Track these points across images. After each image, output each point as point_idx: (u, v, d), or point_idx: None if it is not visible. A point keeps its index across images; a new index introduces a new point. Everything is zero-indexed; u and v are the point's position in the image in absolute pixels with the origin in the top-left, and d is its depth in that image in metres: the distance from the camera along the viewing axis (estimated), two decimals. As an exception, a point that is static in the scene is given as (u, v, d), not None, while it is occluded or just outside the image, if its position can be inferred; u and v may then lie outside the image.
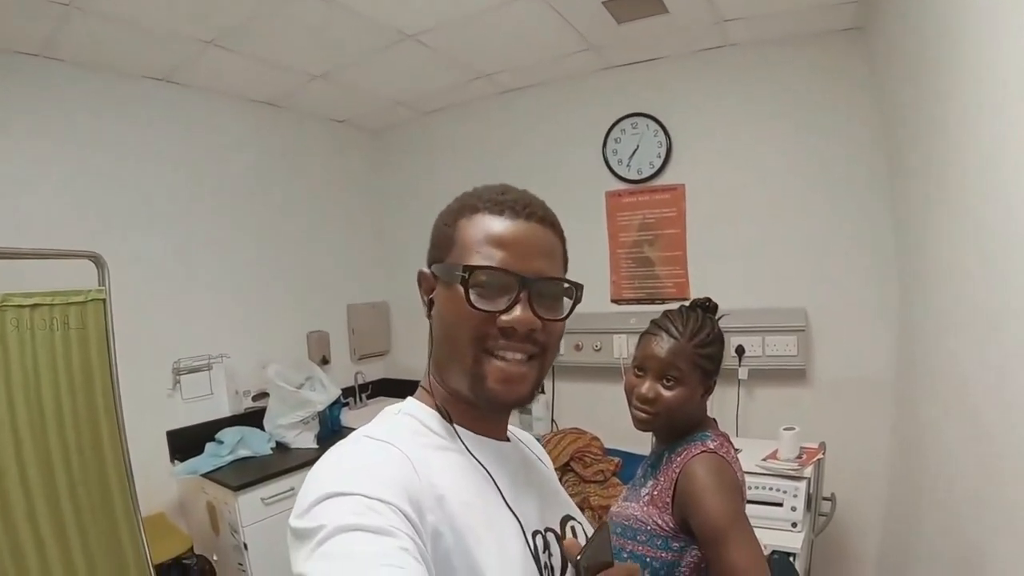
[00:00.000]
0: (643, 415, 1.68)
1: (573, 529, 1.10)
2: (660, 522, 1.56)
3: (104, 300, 2.81)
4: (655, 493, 1.61)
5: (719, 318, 1.78)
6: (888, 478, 3.47)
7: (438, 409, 1.01)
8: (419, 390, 1.07)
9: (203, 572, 3.43)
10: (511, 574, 0.90)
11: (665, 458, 1.66)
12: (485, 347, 0.94)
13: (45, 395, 2.59)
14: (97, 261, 2.83)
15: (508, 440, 1.11)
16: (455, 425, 1.00)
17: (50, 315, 2.62)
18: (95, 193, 3.50)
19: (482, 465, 0.97)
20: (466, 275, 0.92)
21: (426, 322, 1.05)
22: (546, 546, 0.99)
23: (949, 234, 2.14)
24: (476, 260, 0.94)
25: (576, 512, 1.17)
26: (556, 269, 1.01)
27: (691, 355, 1.65)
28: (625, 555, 1.55)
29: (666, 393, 1.64)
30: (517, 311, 0.93)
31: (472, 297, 0.92)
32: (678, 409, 1.64)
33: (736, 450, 1.70)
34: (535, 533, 0.98)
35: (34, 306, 2.57)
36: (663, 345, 1.67)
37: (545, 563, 0.96)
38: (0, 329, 2.44)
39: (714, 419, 1.79)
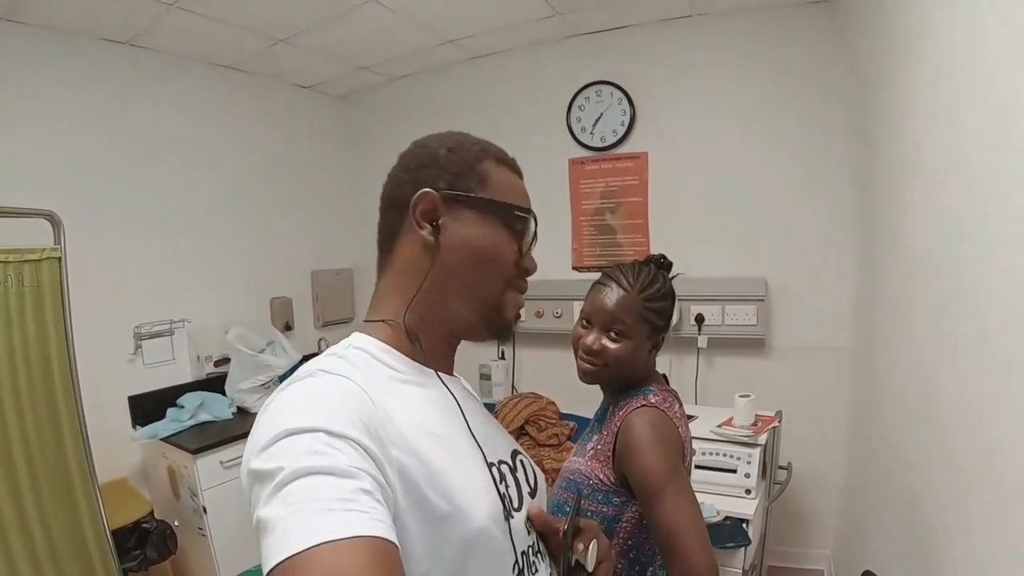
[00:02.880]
0: (588, 366, 1.66)
1: (522, 464, 1.12)
2: (601, 476, 1.56)
3: (59, 259, 2.80)
4: (599, 447, 1.60)
5: (673, 277, 1.76)
6: (846, 447, 3.53)
7: (409, 335, 1.00)
8: (370, 325, 1.04)
9: (163, 536, 3.42)
10: (479, 501, 0.90)
11: (609, 412, 1.65)
12: (509, 288, 1.06)
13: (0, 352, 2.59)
14: (52, 219, 2.83)
15: (454, 376, 1.13)
16: (413, 360, 1.00)
17: (4, 272, 2.63)
18: (56, 155, 3.45)
19: (453, 394, 1.01)
20: (532, 219, 1.07)
21: None
22: (502, 477, 1.01)
23: (910, 207, 2.16)
24: (517, 210, 1.06)
25: (519, 446, 1.20)
26: None
27: (639, 308, 1.62)
28: (567, 509, 1.53)
29: (611, 345, 1.62)
30: (531, 258, 1.08)
31: (524, 241, 1.07)
32: (624, 362, 1.62)
33: (681, 406, 1.69)
34: (491, 465, 0.99)
35: (-12, 264, 2.57)
36: (611, 296, 1.64)
37: (503, 493, 0.97)
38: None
39: (664, 375, 1.77)
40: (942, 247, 1.81)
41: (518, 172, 1.12)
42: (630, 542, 1.56)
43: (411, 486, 0.82)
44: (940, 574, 1.71)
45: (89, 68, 3.61)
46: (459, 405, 1.01)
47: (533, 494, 1.10)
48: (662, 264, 1.76)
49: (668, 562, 1.40)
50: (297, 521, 0.65)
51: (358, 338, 1.00)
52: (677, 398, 1.69)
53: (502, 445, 1.10)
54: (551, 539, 1.07)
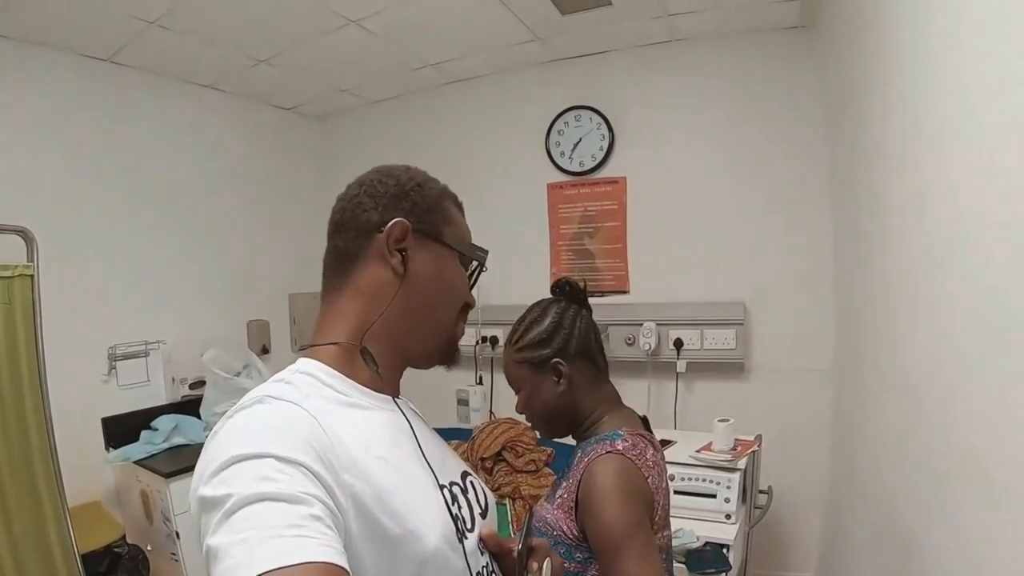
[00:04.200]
0: (531, 426, 1.69)
1: (473, 485, 1.13)
2: (565, 528, 1.46)
3: (32, 276, 2.77)
4: (564, 496, 1.50)
5: (588, 295, 1.70)
6: (827, 469, 3.54)
7: (365, 358, 1.01)
8: (316, 348, 1.03)
9: (135, 561, 3.37)
10: (431, 523, 0.91)
11: (576, 458, 1.55)
12: (459, 318, 1.14)
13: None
14: (25, 236, 2.81)
15: (402, 399, 1.13)
16: (361, 386, 1.00)
17: None
18: (31, 171, 3.42)
19: (406, 417, 1.04)
20: (483, 262, 1.16)
21: None
22: (454, 499, 1.02)
23: (888, 225, 2.20)
24: (478, 249, 1.15)
25: (469, 468, 1.20)
26: None
27: (512, 358, 1.63)
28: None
29: (522, 401, 1.64)
30: (472, 293, 1.17)
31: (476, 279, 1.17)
32: (539, 409, 1.62)
33: (657, 451, 1.57)
34: (442, 487, 1.00)
35: (-41, 279, 2.53)
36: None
37: (456, 515, 0.98)
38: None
39: (644, 417, 1.68)
40: (916, 260, 1.85)
41: (463, 213, 1.19)
42: None
43: (363, 510, 0.83)
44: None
45: (67, 83, 3.59)
46: (412, 428, 1.03)
47: (484, 515, 1.10)
48: (560, 289, 1.70)
49: None
50: (246, 548, 0.66)
51: (304, 363, 1.00)
52: (652, 443, 1.58)
53: (453, 467, 1.11)
54: (505, 559, 1.07)
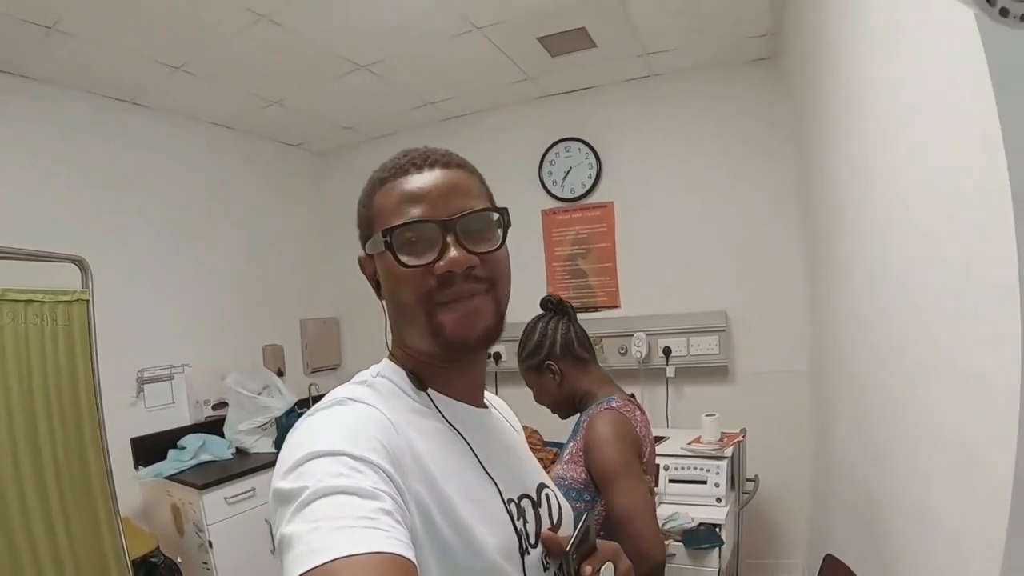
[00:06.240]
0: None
1: (548, 498, 1.10)
2: (575, 475, 1.83)
3: (87, 301, 2.97)
4: (574, 451, 1.88)
5: (585, 311, 2.14)
6: (810, 461, 3.82)
7: (411, 376, 1.01)
8: (389, 356, 1.07)
9: (170, 571, 3.53)
10: (490, 536, 0.90)
11: (580, 420, 1.98)
12: (433, 300, 0.94)
13: (36, 387, 2.71)
14: (81, 265, 2.98)
15: (485, 407, 1.11)
16: (430, 391, 1.01)
17: (41, 311, 2.76)
18: (59, 205, 3.64)
19: (458, 431, 0.99)
20: (387, 239, 0.93)
21: (374, 334, 1.19)
22: (520, 513, 0.99)
23: (846, 238, 2.46)
24: (394, 222, 0.95)
25: (548, 479, 1.17)
26: (476, 203, 0.99)
27: (522, 370, 2.11)
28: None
29: (534, 396, 2.11)
30: (450, 253, 0.92)
31: (402, 257, 0.93)
32: (550, 400, 2.08)
33: (644, 414, 1.99)
34: (509, 500, 0.98)
35: (28, 301, 2.71)
36: None
37: (520, 529, 0.97)
38: (-2, 320, 2.58)
39: (632, 394, 2.10)
40: (868, 271, 2.13)
41: (405, 171, 1.01)
42: (602, 533, 1.76)
43: (426, 516, 0.84)
44: (890, 548, 1.95)
45: (91, 124, 3.84)
46: (465, 439, 0.99)
47: (555, 529, 1.06)
48: (545, 304, 2.15)
49: (623, 543, 1.61)
50: (318, 536, 0.67)
51: (385, 367, 1.03)
52: (639, 407, 2.00)
53: (527, 478, 1.08)
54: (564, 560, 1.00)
